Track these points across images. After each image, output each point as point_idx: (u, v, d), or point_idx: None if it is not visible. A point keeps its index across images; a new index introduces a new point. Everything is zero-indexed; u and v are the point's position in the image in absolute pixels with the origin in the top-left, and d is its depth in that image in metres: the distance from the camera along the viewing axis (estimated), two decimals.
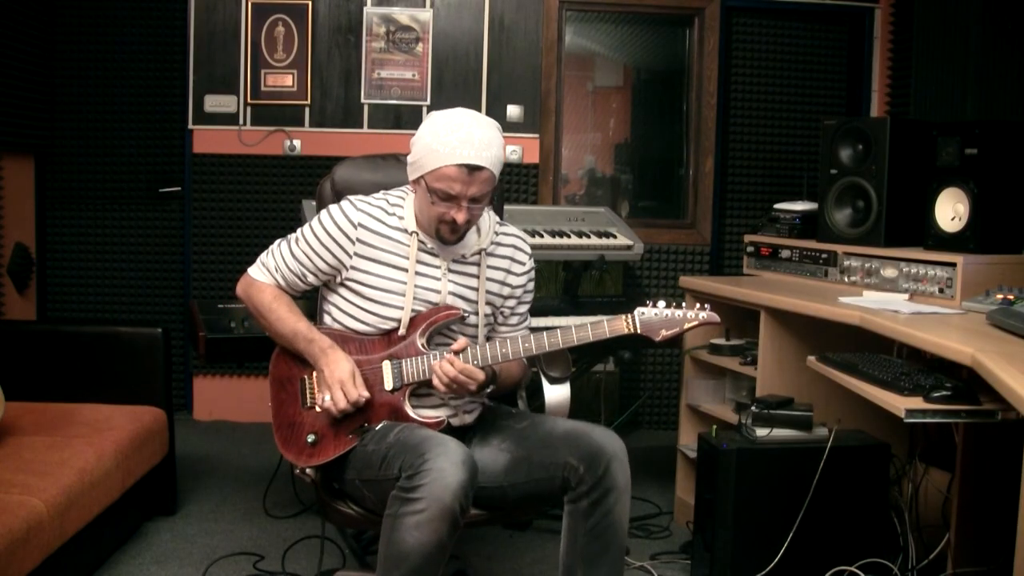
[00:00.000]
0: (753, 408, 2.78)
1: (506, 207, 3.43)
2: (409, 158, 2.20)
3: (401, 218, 2.23)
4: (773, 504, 2.67)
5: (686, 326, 2.17)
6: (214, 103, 4.44)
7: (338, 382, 2.15)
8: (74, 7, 4.52)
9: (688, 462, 3.31)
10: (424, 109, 4.46)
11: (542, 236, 3.48)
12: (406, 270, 2.21)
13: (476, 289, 2.27)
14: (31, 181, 4.48)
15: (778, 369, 2.93)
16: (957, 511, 2.59)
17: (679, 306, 2.18)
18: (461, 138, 2.09)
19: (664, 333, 2.16)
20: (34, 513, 2.25)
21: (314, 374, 2.24)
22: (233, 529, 3.20)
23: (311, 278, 2.28)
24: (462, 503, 1.93)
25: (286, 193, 4.48)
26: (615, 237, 3.56)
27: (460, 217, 2.13)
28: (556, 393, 2.55)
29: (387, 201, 2.26)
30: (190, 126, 4.46)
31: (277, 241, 2.33)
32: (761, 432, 2.71)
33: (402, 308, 2.21)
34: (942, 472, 2.88)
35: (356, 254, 2.21)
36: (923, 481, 2.92)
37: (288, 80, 4.45)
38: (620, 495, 2.11)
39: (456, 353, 2.16)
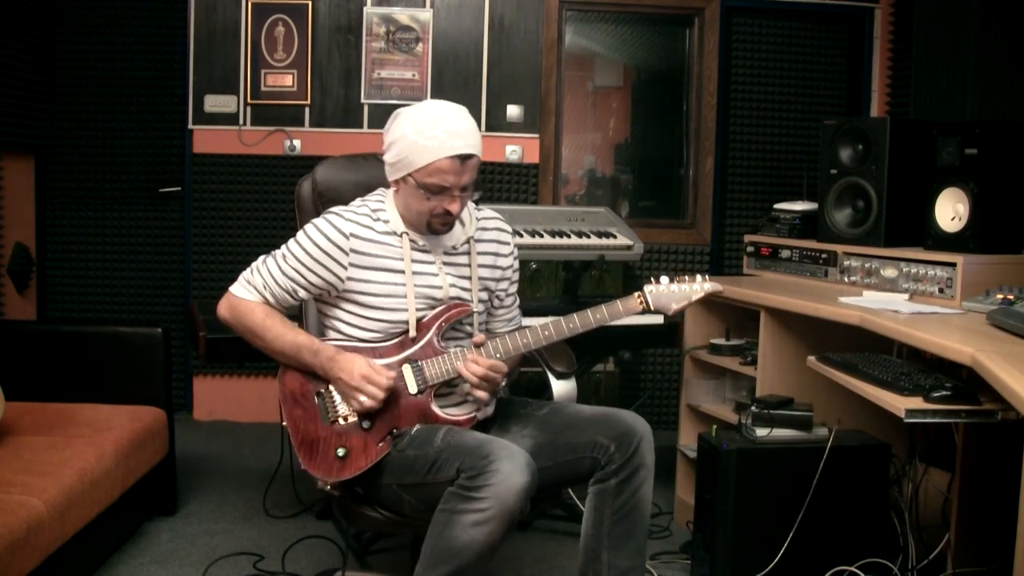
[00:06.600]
0: (753, 408, 2.78)
1: (506, 207, 3.43)
2: (388, 158, 2.18)
3: (387, 221, 2.22)
4: (773, 504, 2.67)
5: (694, 298, 2.23)
6: (214, 103, 4.44)
7: (361, 378, 2.11)
8: (74, 7, 4.52)
9: (688, 462, 3.31)
10: None
11: (542, 236, 3.47)
12: (403, 272, 2.20)
13: (470, 278, 2.27)
14: (31, 181, 4.48)
15: (778, 369, 2.93)
16: (957, 511, 2.59)
17: (682, 279, 2.23)
18: (448, 130, 2.10)
19: (675, 307, 2.22)
20: (34, 513, 2.25)
21: (329, 386, 2.18)
22: (233, 529, 3.20)
23: (302, 293, 2.22)
24: (523, 507, 1.93)
25: (286, 193, 4.47)
26: (615, 237, 3.56)
27: (455, 207, 2.14)
28: (563, 388, 2.61)
29: (368, 207, 2.24)
30: (190, 126, 4.47)
31: (260, 258, 2.25)
32: (761, 432, 2.71)
33: (407, 310, 2.20)
34: (942, 472, 2.88)
35: (351, 264, 2.18)
36: (923, 481, 2.91)
37: (288, 80, 4.45)
38: (648, 474, 2.14)
39: (477, 347, 2.16)
